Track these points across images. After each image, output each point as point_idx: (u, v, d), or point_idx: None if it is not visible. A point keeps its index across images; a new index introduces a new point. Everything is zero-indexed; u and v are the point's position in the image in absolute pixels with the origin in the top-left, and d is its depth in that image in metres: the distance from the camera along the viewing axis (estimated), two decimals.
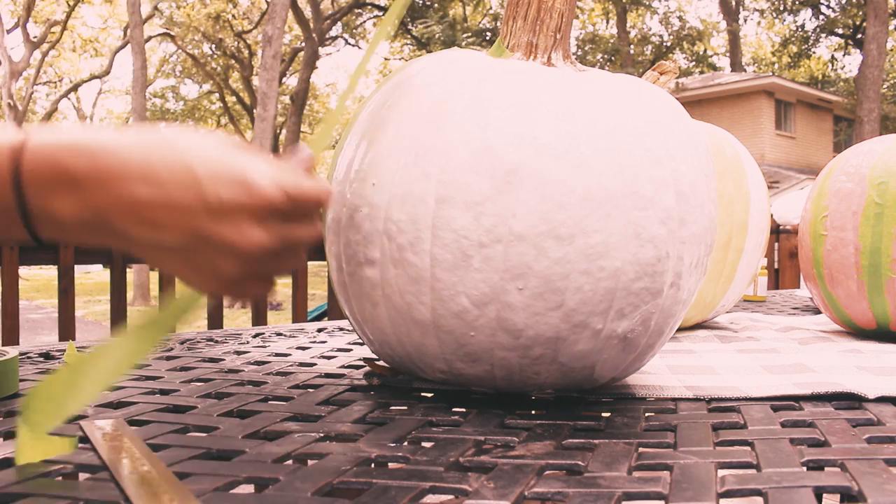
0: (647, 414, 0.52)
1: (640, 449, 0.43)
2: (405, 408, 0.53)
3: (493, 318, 0.49)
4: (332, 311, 2.08)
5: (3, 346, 1.52)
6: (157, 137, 0.42)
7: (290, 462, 0.41)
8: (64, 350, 0.78)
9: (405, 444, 0.45)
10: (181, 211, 0.40)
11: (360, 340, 0.90)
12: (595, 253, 0.48)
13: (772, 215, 3.12)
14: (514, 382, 0.54)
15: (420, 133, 0.51)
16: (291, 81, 21.01)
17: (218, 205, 0.40)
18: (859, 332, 0.93)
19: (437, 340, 0.52)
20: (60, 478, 0.38)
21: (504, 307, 0.49)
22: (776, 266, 3.23)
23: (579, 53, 20.57)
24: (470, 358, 0.52)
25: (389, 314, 0.53)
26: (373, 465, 0.40)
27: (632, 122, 0.51)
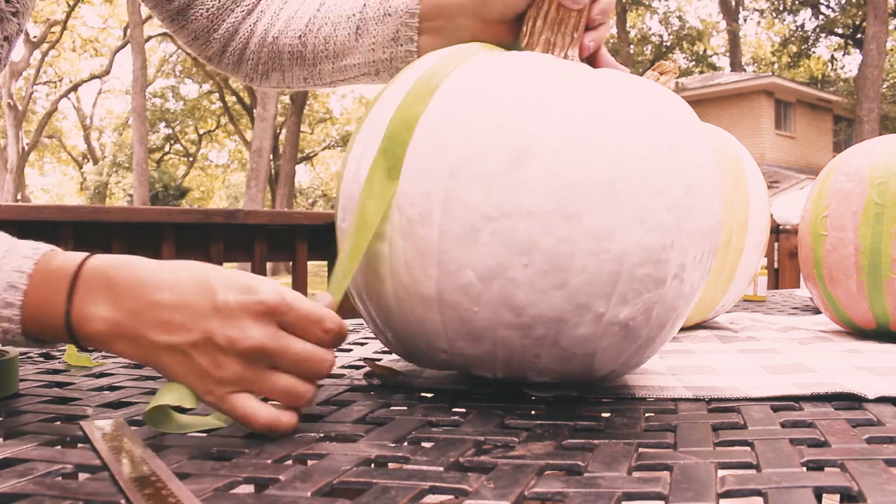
0: (647, 414, 0.52)
1: (640, 449, 0.43)
2: (405, 408, 0.53)
3: (497, 293, 0.50)
4: None
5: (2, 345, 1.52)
6: (187, 262, 0.50)
7: (290, 462, 0.41)
8: (64, 350, 0.78)
9: (405, 444, 0.45)
10: (194, 312, 0.46)
11: (360, 340, 0.90)
12: (601, 234, 0.49)
13: (772, 215, 3.12)
14: (515, 366, 0.54)
15: (436, 109, 0.52)
16: None
17: (225, 306, 0.46)
18: (859, 332, 0.93)
19: (440, 316, 0.52)
20: (60, 478, 0.38)
21: (508, 283, 0.49)
22: (776, 266, 3.23)
23: None
24: (472, 336, 0.52)
25: (395, 289, 0.53)
26: (373, 465, 0.40)
27: (643, 115, 0.52)
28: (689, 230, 0.52)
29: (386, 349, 0.82)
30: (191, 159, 27.73)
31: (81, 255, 0.50)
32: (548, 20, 0.61)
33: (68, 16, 20.91)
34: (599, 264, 0.49)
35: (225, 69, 0.83)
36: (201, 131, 26.55)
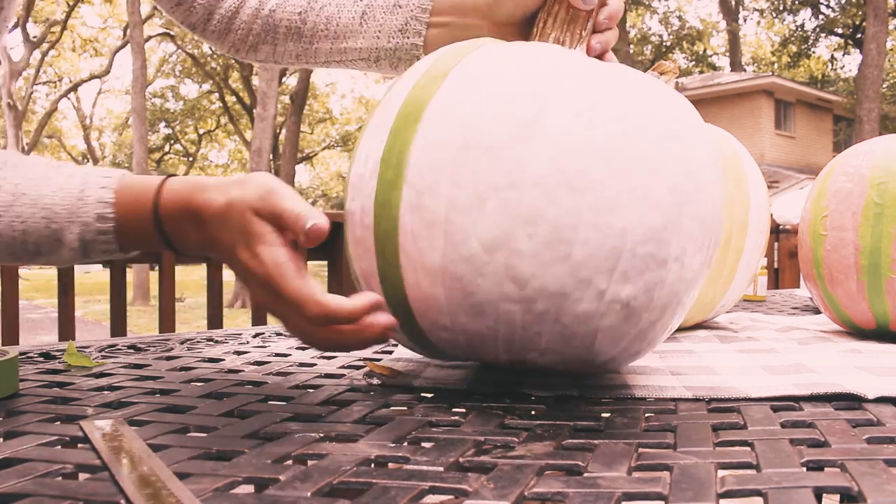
0: (647, 414, 0.52)
1: (640, 449, 0.43)
2: (405, 408, 0.53)
3: (501, 264, 0.51)
4: None
5: (2, 345, 1.52)
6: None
7: (290, 462, 0.41)
8: (64, 350, 0.78)
9: (405, 444, 0.45)
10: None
11: None
12: (604, 208, 0.50)
13: (772, 215, 3.12)
14: (515, 345, 0.54)
15: (446, 90, 0.54)
16: (291, 81, 21.00)
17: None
18: (859, 332, 0.93)
19: (443, 289, 0.52)
20: (60, 478, 0.38)
21: (513, 253, 0.50)
22: (776, 266, 3.24)
23: None
24: (474, 310, 0.52)
25: (403, 265, 0.54)
26: (373, 465, 0.40)
27: (647, 100, 0.54)
28: (691, 214, 0.53)
29: (386, 349, 0.82)
30: (191, 159, 27.73)
31: (151, 180, 0.58)
32: (557, 20, 0.64)
33: (68, 16, 20.91)
34: (602, 238, 0.50)
35: (210, 38, 0.82)
36: (201, 131, 26.53)
